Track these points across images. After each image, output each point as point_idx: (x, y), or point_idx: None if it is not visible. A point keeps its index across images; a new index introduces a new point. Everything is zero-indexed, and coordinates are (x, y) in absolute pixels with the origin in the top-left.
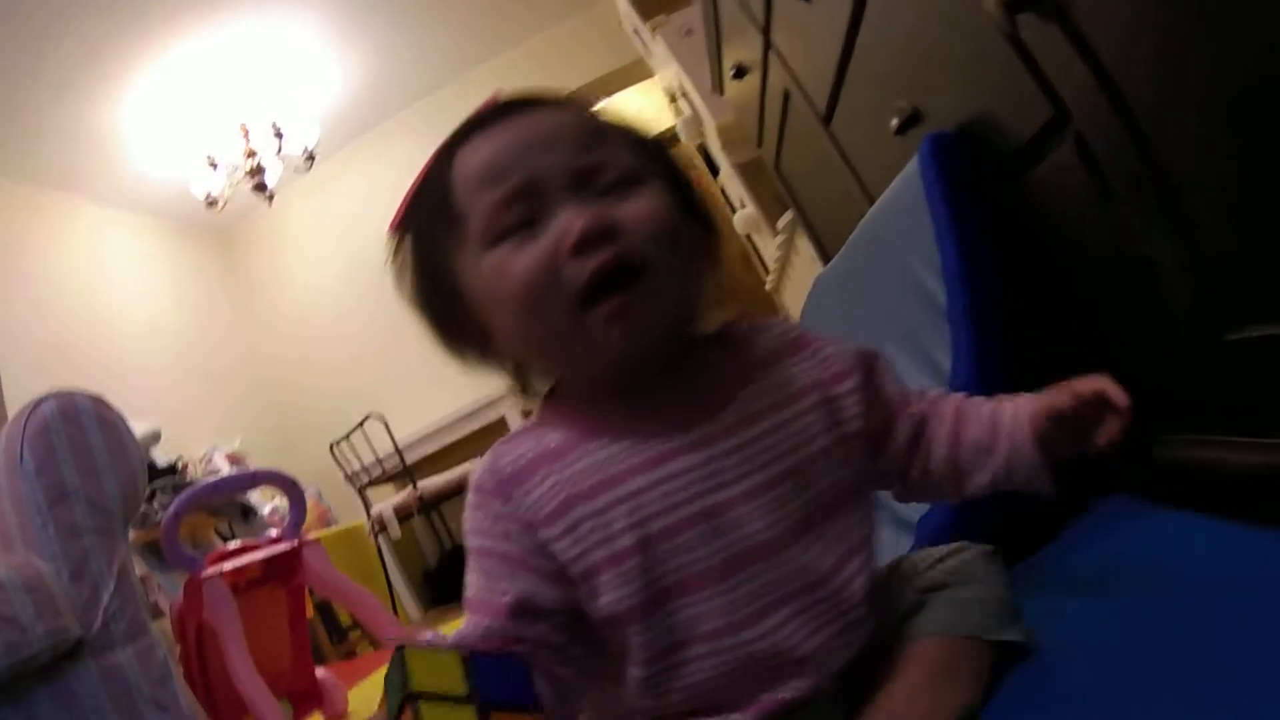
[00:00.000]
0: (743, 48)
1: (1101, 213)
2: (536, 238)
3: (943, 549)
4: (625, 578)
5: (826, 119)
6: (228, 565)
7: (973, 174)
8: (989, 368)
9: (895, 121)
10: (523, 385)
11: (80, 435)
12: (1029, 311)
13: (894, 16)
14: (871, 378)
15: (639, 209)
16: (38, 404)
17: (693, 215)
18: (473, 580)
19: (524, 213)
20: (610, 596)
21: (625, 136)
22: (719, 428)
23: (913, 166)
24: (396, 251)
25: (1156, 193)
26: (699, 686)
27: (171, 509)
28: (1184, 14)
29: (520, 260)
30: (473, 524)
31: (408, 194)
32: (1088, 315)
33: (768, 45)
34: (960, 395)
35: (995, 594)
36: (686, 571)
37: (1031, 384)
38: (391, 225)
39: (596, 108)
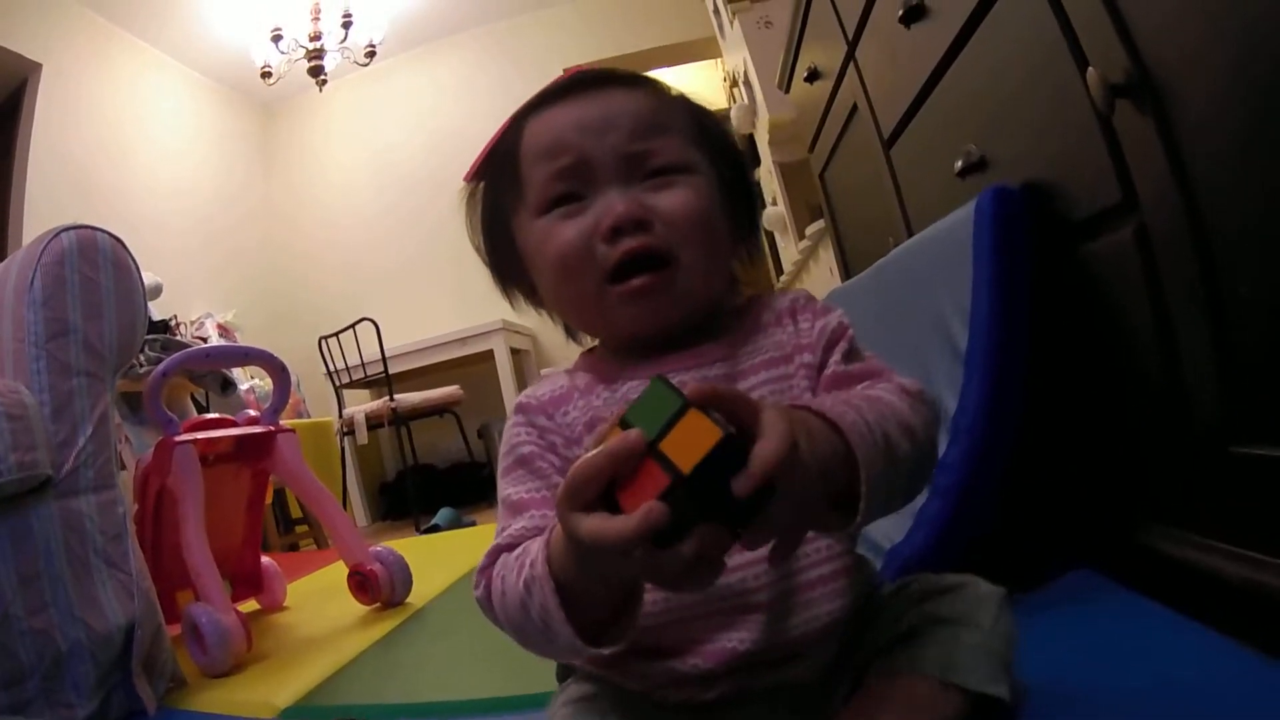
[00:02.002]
0: (822, 53)
1: (1145, 304)
2: (583, 213)
3: (955, 579)
4: None
5: (889, 142)
6: (202, 435)
7: (1026, 234)
8: (994, 419)
9: (959, 164)
10: (569, 333)
11: (93, 274)
12: (1047, 375)
13: (991, 64)
14: (826, 356)
15: (675, 202)
16: (58, 233)
17: (740, 207)
18: (520, 482)
19: (573, 188)
20: None
21: (689, 123)
22: (714, 375)
23: (967, 210)
24: (469, 199)
25: (1207, 304)
26: (653, 617)
27: (161, 367)
28: None
29: (563, 232)
30: (519, 436)
31: (483, 151)
32: (1105, 395)
33: (850, 56)
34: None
35: (992, 643)
36: None
37: (1032, 444)
38: (466, 176)
39: (671, 90)
